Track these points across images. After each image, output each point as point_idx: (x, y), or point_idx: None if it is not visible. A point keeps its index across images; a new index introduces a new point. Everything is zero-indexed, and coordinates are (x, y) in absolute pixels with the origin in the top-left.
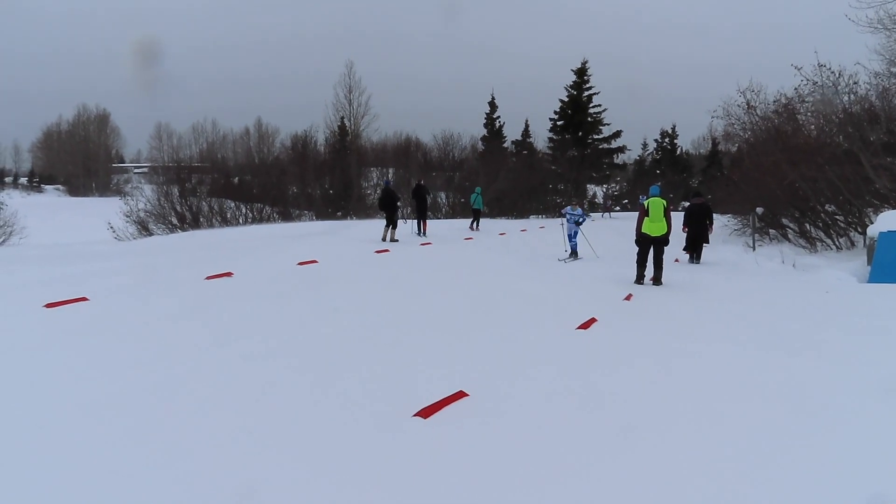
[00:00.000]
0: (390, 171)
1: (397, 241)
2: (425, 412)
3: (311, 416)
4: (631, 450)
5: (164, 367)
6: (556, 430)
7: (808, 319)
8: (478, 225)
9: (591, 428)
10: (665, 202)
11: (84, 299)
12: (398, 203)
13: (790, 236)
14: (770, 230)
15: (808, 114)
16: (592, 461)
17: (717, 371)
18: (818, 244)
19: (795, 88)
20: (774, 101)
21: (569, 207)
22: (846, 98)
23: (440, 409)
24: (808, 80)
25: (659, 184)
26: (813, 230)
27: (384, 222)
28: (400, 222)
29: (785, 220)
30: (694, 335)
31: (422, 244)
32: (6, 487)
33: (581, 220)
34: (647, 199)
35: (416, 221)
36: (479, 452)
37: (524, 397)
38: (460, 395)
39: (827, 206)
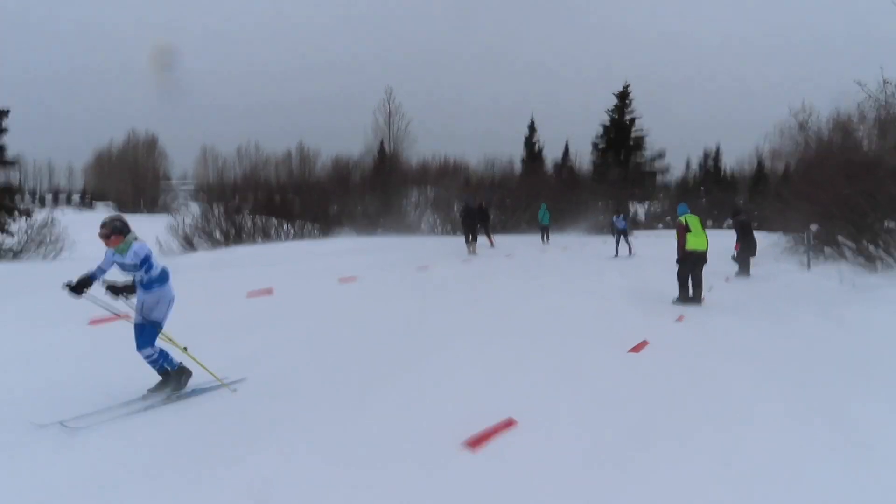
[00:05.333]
0: (430, 188)
1: (476, 253)
2: (474, 442)
3: (347, 445)
4: (687, 480)
5: (197, 382)
6: (613, 464)
7: (874, 346)
8: (548, 238)
9: (650, 462)
10: (699, 217)
11: (126, 317)
12: (477, 219)
13: (847, 254)
14: (825, 248)
15: (870, 129)
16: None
17: (773, 398)
18: (878, 262)
19: (858, 104)
20: (829, 120)
21: (115, 251)
22: None
23: (489, 438)
24: (871, 95)
25: (703, 200)
26: (872, 248)
27: (464, 238)
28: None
29: (841, 238)
30: (748, 360)
31: (463, 261)
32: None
33: (148, 281)
34: (681, 215)
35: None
36: (531, 489)
37: (577, 425)
38: (510, 422)
39: (886, 223)
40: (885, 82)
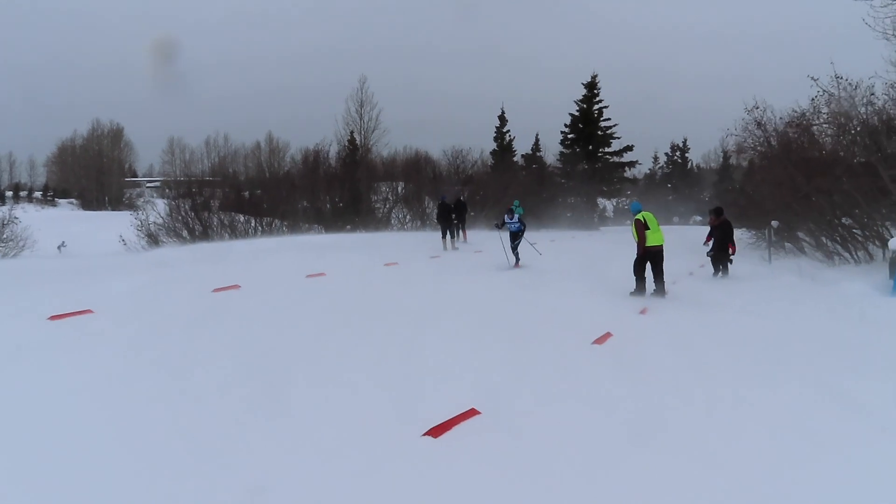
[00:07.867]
0: (400, 185)
1: (457, 248)
2: (435, 431)
3: (313, 432)
4: (659, 478)
5: (169, 377)
6: (579, 455)
7: (836, 343)
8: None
9: (618, 453)
10: (652, 214)
11: (88, 311)
12: (453, 215)
13: (807, 250)
14: (786, 243)
15: (824, 125)
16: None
17: (736, 388)
18: (836, 258)
19: (812, 99)
20: (788, 115)
21: None
22: (863, 109)
23: (451, 427)
24: (824, 90)
25: (670, 198)
26: (830, 243)
27: (440, 234)
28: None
29: (800, 234)
30: (715, 353)
31: (431, 257)
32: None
33: None
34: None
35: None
36: (494, 478)
37: (541, 416)
38: (472, 412)
39: (843, 219)
40: (837, 77)
